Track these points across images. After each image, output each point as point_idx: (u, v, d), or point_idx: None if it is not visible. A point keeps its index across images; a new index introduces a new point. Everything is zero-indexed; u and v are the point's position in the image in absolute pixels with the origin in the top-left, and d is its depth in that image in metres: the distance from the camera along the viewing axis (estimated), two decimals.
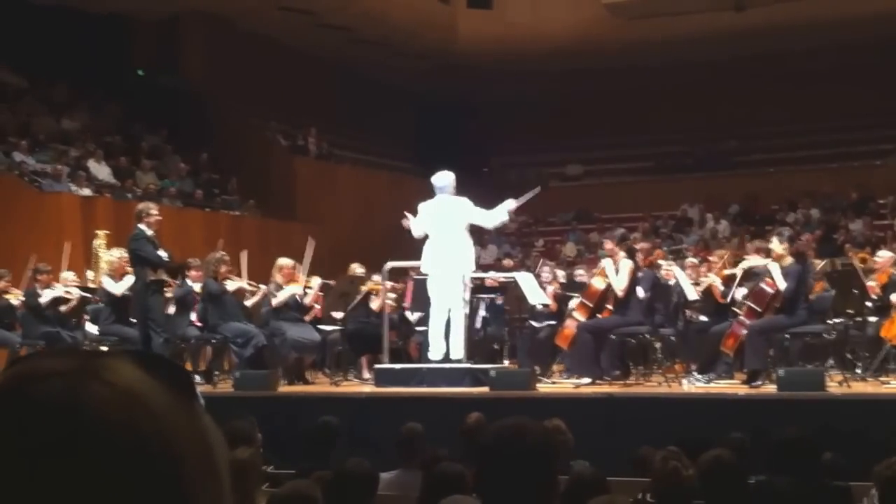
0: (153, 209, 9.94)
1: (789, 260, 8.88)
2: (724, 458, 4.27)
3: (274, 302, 10.75)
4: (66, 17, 17.29)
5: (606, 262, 9.56)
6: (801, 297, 8.77)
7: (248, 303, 11.04)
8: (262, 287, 11.07)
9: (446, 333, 9.43)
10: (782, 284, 8.66)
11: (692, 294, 10.04)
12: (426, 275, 9.80)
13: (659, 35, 19.95)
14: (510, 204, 9.69)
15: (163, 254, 9.74)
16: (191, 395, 0.77)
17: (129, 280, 10.42)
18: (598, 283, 9.55)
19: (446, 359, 9.40)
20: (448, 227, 9.48)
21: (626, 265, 9.27)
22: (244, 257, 11.66)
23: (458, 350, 9.46)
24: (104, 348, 11.31)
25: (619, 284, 9.23)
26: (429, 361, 9.64)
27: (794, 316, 8.73)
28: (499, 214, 9.69)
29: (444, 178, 9.68)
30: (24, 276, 11.61)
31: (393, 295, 11.09)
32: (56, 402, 0.71)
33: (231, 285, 10.56)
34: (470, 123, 22.97)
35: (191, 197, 17.23)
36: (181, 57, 19.45)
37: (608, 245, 9.67)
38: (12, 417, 0.71)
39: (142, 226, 9.70)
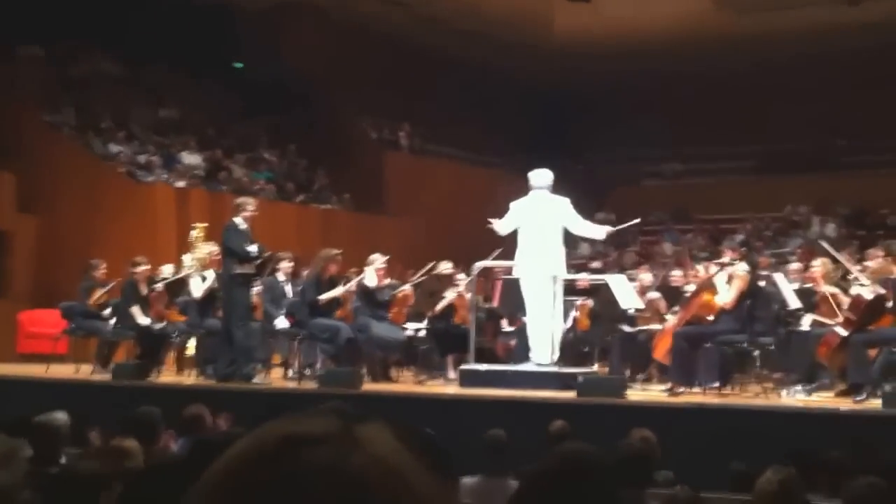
0: (250, 205, 10.07)
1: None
2: (877, 486, 3.89)
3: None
4: (167, 6, 17.47)
5: (718, 277, 9.09)
6: None
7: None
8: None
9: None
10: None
11: (794, 302, 9.56)
12: (515, 275, 9.63)
13: (767, 29, 19.26)
14: (607, 229, 9.67)
15: (254, 247, 9.74)
16: (446, 469, 0.76)
17: (210, 279, 10.50)
18: (705, 297, 9.10)
19: (552, 362, 9.23)
20: (543, 226, 9.30)
21: (739, 280, 8.78)
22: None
23: (542, 353, 9.22)
24: (194, 340, 11.40)
25: (727, 298, 8.78)
26: (520, 363, 9.48)
27: None
28: (594, 231, 9.68)
29: (543, 177, 9.48)
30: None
31: (471, 295, 10.80)
32: (321, 472, 0.73)
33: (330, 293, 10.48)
34: (564, 119, 22.58)
35: (283, 190, 17.28)
36: (278, 48, 19.51)
37: (727, 252, 9.23)
38: (280, 483, 0.72)
39: (237, 219, 9.83)
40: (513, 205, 9.57)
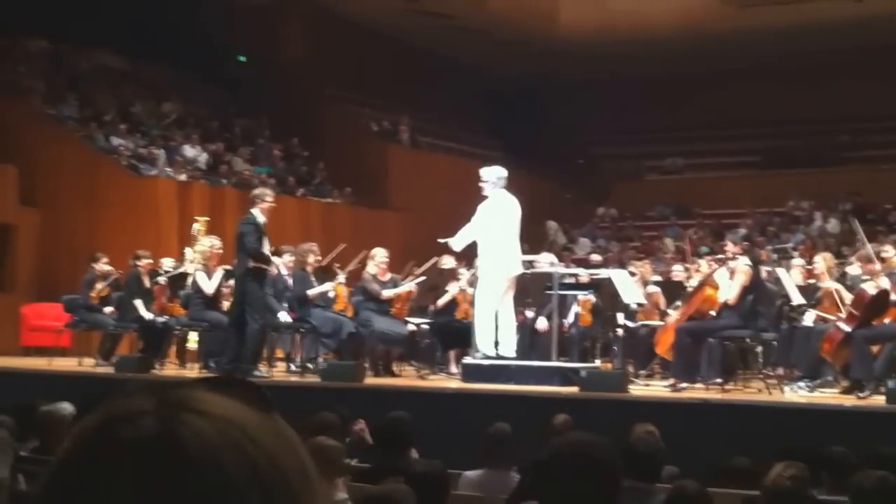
0: (268, 196, 9.79)
1: None
2: (887, 481, 3.87)
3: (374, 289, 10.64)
4: (169, 1, 17.48)
5: (720, 272, 9.10)
6: None
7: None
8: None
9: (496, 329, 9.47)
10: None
11: (797, 298, 9.55)
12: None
13: (771, 24, 19.24)
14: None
15: (265, 248, 9.61)
16: (269, 409, 0.77)
17: (219, 275, 10.47)
18: (707, 292, 9.08)
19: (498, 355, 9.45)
20: (515, 224, 9.62)
21: (742, 274, 8.77)
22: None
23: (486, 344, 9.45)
24: (195, 333, 11.39)
25: (730, 293, 8.77)
26: (522, 358, 9.54)
27: None
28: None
29: (504, 174, 9.70)
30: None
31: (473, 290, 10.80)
32: (153, 440, 0.71)
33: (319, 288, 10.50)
34: (567, 113, 22.55)
35: (285, 184, 17.27)
36: (279, 43, 19.51)
37: (730, 247, 9.22)
38: (111, 462, 0.70)
39: (255, 210, 9.60)
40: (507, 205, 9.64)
